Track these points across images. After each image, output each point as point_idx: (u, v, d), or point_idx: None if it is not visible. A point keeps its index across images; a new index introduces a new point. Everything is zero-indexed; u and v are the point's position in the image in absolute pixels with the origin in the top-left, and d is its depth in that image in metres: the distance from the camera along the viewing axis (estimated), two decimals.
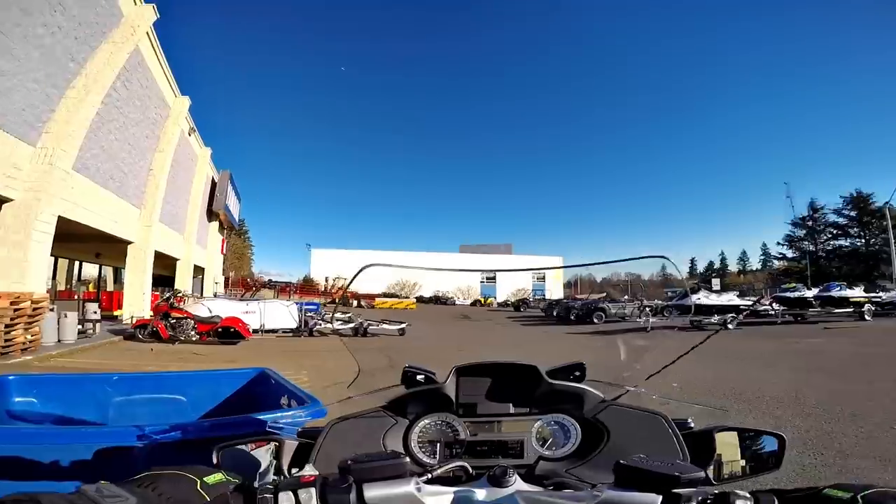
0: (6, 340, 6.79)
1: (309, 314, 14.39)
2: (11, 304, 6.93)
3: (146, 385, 2.46)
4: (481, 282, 63.77)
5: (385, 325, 14.01)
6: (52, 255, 9.68)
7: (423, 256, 62.49)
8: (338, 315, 14.93)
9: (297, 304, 14.72)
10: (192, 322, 10.77)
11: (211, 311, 11.57)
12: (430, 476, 0.71)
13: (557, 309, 23.34)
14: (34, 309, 7.57)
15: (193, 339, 10.59)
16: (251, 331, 11.73)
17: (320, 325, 13.98)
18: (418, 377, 0.97)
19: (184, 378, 2.60)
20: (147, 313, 12.88)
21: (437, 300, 53.68)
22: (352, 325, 13.79)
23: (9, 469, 1.37)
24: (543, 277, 65.90)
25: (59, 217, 9.51)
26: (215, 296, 17.53)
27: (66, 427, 1.38)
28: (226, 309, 12.26)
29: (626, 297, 25.07)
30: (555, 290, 61.20)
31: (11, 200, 8.45)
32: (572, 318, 19.84)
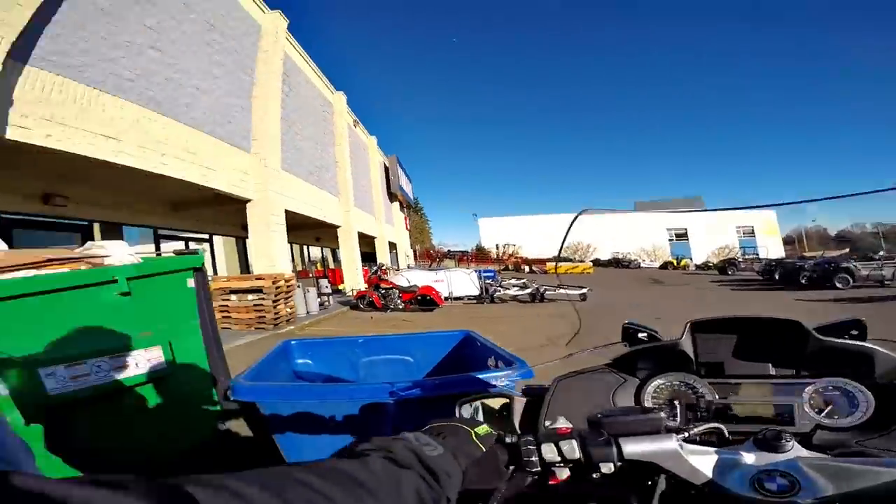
0: (275, 313, 8.58)
1: (487, 281, 14.73)
2: (273, 282, 8.68)
3: (381, 346, 2.75)
4: (670, 240, 56.32)
5: (563, 290, 13.32)
6: (288, 241, 11.89)
7: (592, 217, 58.59)
8: (513, 281, 14.92)
9: (476, 271, 15.21)
10: (398, 291, 12.04)
11: (409, 281, 12.78)
12: (686, 435, 0.64)
13: (779, 270, 18.35)
14: (287, 287, 9.38)
15: (400, 307, 11.87)
16: (442, 298, 12.53)
17: (499, 291, 14.19)
18: (640, 335, 0.94)
19: (407, 340, 2.83)
20: (362, 286, 15.05)
21: (616, 263, 48.93)
22: (528, 290, 13.58)
23: (303, 418, 1.56)
24: (752, 232, 54.43)
25: (287, 210, 11.58)
26: (409, 267, 19.52)
27: (341, 385, 1.50)
28: (420, 278, 13.42)
29: (881, 252, 18.28)
30: (770, 248, 48.43)
31: (251, 200, 10.57)
32: (803, 281, 15.63)
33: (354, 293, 13.33)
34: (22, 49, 5.30)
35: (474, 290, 14.30)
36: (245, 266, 13.72)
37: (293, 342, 2.50)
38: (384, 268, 13.51)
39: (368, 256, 21.57)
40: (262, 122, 10.98)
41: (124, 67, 6.98)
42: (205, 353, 2.47)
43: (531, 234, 57.30)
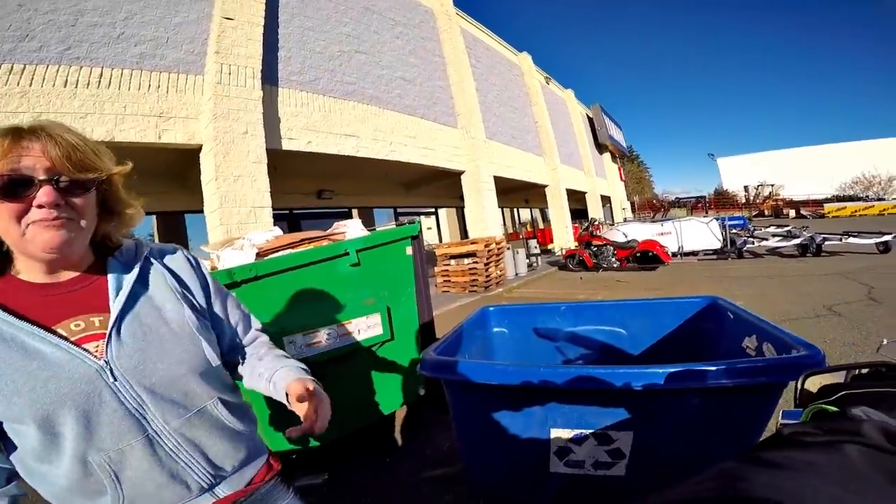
0: (486, 276, 9.10)
1: (734, 231, 11.92)
2: (485, 246, 9.18)
3: (588, 315, 2.35)
4: None
5: (853, 240, 9.61)
6: (498, 206, 12.32)
7: (888, 143, 40.72)
8: (772, 229, 11.65)
9: (717, 219, 12.49)
10: (612, 248, 10.91)
11: (627, 236, 11.43)
12: None
13: None
14: (498, 249, 9.78)
15: (615, 265, 10.78)
16: (669, 254, 10.79)
17: (751, 243, 11.32)
18: None
19: (622, 308, 2.33)
20: (572, 244, 14.50)
21: None
22: (797, 240, 10.34)
23: (482, 401, 1.38)
24: None
25: (495, 176, 11.95)
26: (626, 220, 17.74)
27: (531, 367, 1.26)
28: (640, 232, 11.88)
29: None
30: None
31: (464, 172, 11.28)
32: None
33: (563, 252, 12.87)
34: (269, 74, 6.86)
35: (715, 243, 11.75)
36: (465, 233, 14.99)
37: (491, 309, 2.42)
38: (596, 223, 12.47)
39: (579, 213, 20.60)
40: (461, 97, 11.54)
41: (344, 74, 8.31)
42: (417, 320, 2.69)
43: (794, 171, 44.27)
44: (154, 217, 8.22)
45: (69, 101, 5.02)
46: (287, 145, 6.84)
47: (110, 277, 0.76)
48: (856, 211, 27.84)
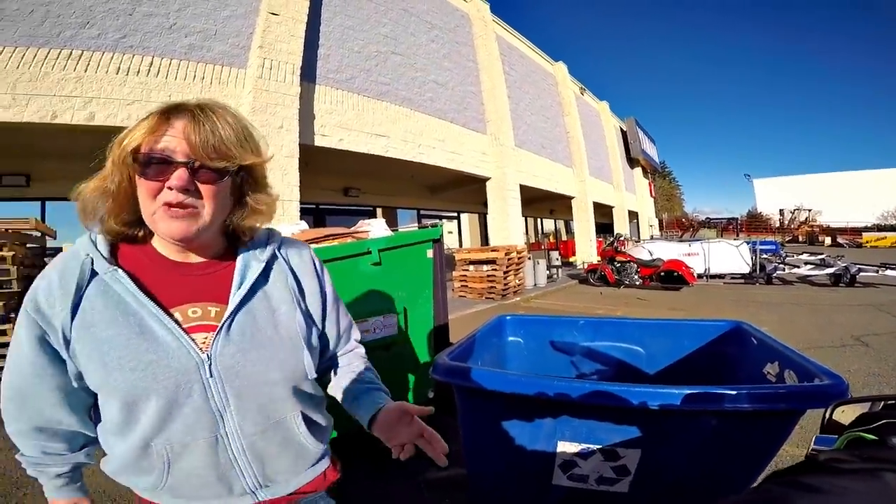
0: (504, 284, 9.07)
1: (764, 256, 11.55)
2: (506, 254, 9.14)
3: (606, 331, 2.31)
4: None
5: (890, 272, 9.24)
6: (522, 215, 12.27)
7: None
8: (804, 256, 11.22)
9: (747, 242, 12.13)
10: (636, 266, 10.72)
11: (652, 254, 11.21)
12: None
13: None
14: (518, 258, 9.73)
15: (637, 283, 10.58)
16: (695, 275, 10.54)
17: (782, 269, 10.94)
18: None
19: (643, 327, 2.30)
20: (595, 258, 14.29)
21: None
22: (830, 269, 9.94)
23: (493, 411, 1.37)
24: None
25: (521, 185, 11.91)
26: (652, 238, 17.38)
27: (545, 379, 1.27)
28: (666, 251, 11.61)
29: None
30: None
31: (490, 178, 11.27)
32: None
33: (585, 266, 12.69)
34: (308, 71, 7.03)
35: (743, 267, 11.43)
36: (486, 239, 14.98)
37: (508, 317, 2.41)
38: (621, 239, 12.27)
39: (605, 227, 20.29)
40: (492, 104, 11.56)
41: (379, 74, 8.45)
42: (432, 322, 2.71)
43: (832, 196, 42.53)
44: None
45: (119, 87, 5.28)
46: (319, 142, 7.01)
47: (237, 269, 0.75)
48: (894, 241, 26.53)
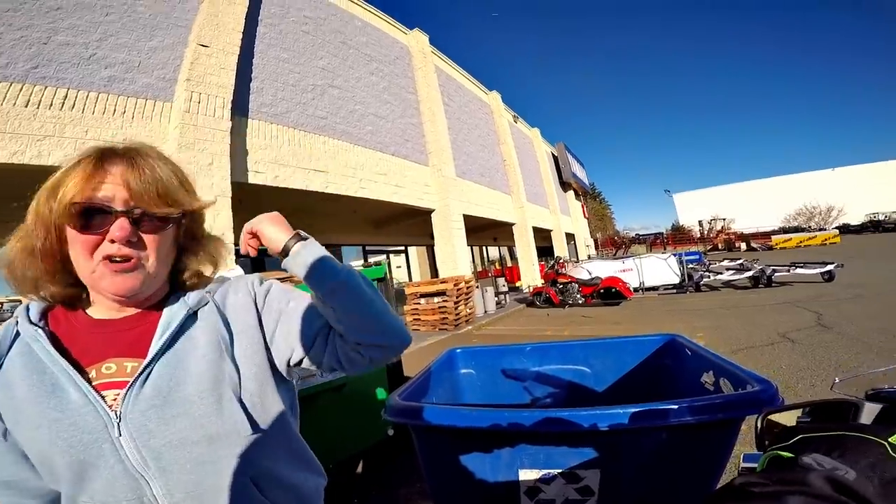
0: (456, 314, 9.09)
1: (690, 266, 12.57)
2: (455, 285, 9.21)
3: (553, 355, 2.37)
4: None
5: (800, 270, 10.41)
6: (468, 244, 12.49)
7: (825, 175, 44.66)
8: (725, 263, 12.35)
9: (674, 255, 13.16)
10: (577, 286, 11.21)
11: (591, 273, 11.81)
12: None
13: None
14: (467, 288, 9.84)
15: (580, 301, 11.05)
16: (631, 290, 11.21)
17: (707, 276, 11.94)
18: None
19: (587, 347, 2.36)
20: (539, 281, 14.77)
21: (875, 226, 36.31)
22: (749, 272, 11.01)
23: (451, 444, 1.36)
24: None
25: (464, 215, 12.17)
26: (589, 258, 18.33)
27: (496, 411, 1.29)
28: (603, 269, 12.30)
29: None
30: None
31: (434, 210, 11.44)
32: None
33: (531, 290, 13.08)
34: (240, 104, 6.86)
35: (673, 278, 12.38)
36: (435, 271, 15.05)
37: (458, 350, 2.41)
38: (561, 261, 12.85)
39: (545, 251, 21.14)
40: (433, 135, 11.87)
41: (316, 108, 8.42)
42: None
43: (743, 204, 47.52)
44: None
45: (28, 122, 4.81)
46: (253, 178, 6.76)
47: (161, 319, 0.68)
48: (801, 242, 29.83)
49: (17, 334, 0.65)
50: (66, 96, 5.15)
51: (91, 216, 0.61)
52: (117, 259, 0.63)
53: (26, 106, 4.83)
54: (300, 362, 0.75)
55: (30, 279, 0.66)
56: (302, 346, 0.73)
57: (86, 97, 5.31)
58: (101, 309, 0.69)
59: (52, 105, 5.02)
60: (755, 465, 0.61)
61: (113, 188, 0.62)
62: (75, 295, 0.68)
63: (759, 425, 0.71)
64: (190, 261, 0.74)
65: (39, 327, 0.65)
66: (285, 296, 0.77)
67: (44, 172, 0.65)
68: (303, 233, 0.75)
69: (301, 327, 0.73)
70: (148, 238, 0.65)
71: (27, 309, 0.67)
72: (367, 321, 0.71)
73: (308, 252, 0.71)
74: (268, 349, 0.73)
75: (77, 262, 0.63)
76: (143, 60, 5.90)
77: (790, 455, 0.48)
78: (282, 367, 0.74)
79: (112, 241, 0.62)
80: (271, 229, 0.74)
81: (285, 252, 0.72)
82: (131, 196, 0.63)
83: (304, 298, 0.77)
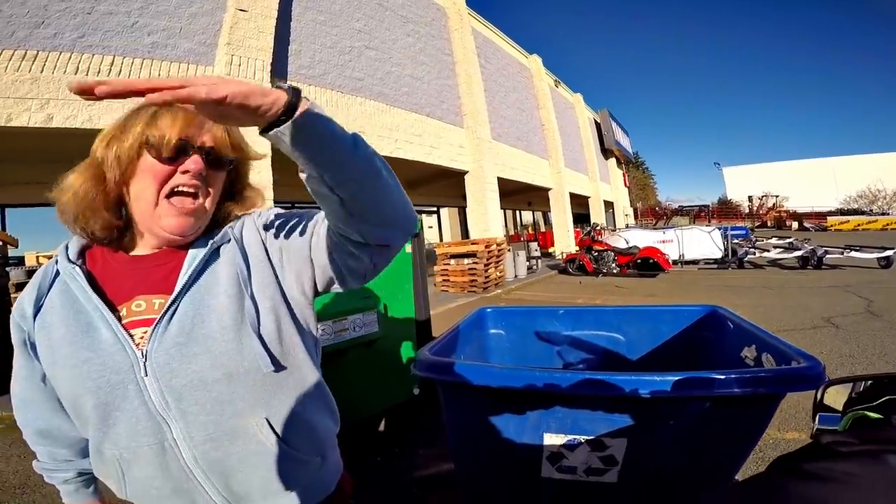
0: (485, 277, 9.11)
1: (736, 241, 11.95)
2: (486, 247, 9.18)
3: (587, 320, 2.31)
4: None
5: (855, 254, 9.67)
6: (500, 208, 12.33)
7: (873, 159, 40.60)
8: (773, 241, 11.66)
9: (719, 228, 12.52)
10: (613, 254, 10.92)
11: (628, 243, 11.45)
12: None
13: None
14: (499, 251, 9.78)
15: (615, 271, 10.79)
16: (670, 262, 10.78)
17: (752, 253, 11.35)
18: None
19: (621, 314, 2.30)
20: (573, 248, 14.49)
21: None
22: (798, 252, 10.36)
23: (479, 404, 1.35)
24: None
25: (498, 178, 11.96)
26: (628, 227, 17.74)
27: (527, 370, 1.26)
28: (642, 239, 11.88)
29: None
30: None
31: (468, 172, 11.29)
32: None
33: (564, 256, 12.86)
34: (279, 67, 6.88)
35: (716, 252, 11.79)
36: (466, 233, 15.02)
37: (489, 310, 2.40)
38: (598, 228, 12.50)
39: (582, 217, 20.60)
40: (469, 97, 11.55)
41: (353, 69, 8.33)
42: (414, 317, 2.70)
43: (799, 182, 44.20)
44: None
45: None
46: None
47: (188, 256, 0.69)
48: (859, 225, 27.72)
49: (58, 273, 0.67)
50: (112, 63, 5.33)
51: (171, 148, 0.63)
52: (185, 190, 0.65)
53: (76, 73, 5.04)
54: (314, 284, 0.72)
55: (84, 210, 0.66)
56: (305, 263, 0.70)
57: (131, 63, 5.48)
58: (141, 247, 0.70)
59: (99, 72, 5.21)
60: (830, 426, 0.60)
61: (191, 128, 0.65)
62: (115, 236, 0.69)
63: (818, 396, 0.70)
64: (231, 207, 0.76)
65: (77, 265, 0.66)
66: (284, 221, 0.74)
67: (94, 136, 0.67)
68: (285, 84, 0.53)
69: (300, 245, 0.71)
70: (213, 178, 0.69)
71: (66, 248, 0.69)
72: (382, 199, 0.60)
73: (320, 111, 0.53)
74: (279, 281, 0.71)
75: (141, 196, 0.65)
76: (185, 26, 5.97)
77: (877, 416, 0.46)
78: (295, 296, 0.72)
79: (185, 172, 0.64)
80: (244, 87, 0.48)
81: (289, 111, 0.49)
82: (212, 138, 0.67)
83: (299, 216, 0.74)
